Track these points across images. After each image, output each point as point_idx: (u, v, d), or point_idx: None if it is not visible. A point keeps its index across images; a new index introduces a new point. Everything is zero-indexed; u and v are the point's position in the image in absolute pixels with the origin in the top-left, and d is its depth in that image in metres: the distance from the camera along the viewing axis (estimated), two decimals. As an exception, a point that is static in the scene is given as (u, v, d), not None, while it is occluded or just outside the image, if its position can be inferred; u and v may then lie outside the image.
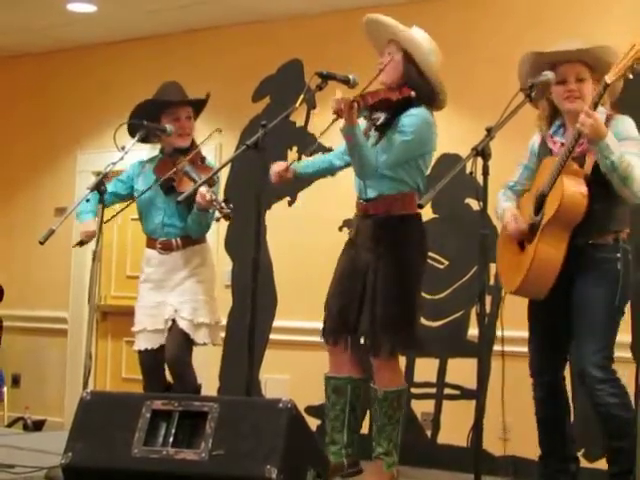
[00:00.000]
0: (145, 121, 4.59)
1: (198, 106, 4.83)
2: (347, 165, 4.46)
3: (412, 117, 4.19)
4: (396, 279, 4.21)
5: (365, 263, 4.25)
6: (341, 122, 4.03)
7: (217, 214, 4.30)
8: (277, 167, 4.37)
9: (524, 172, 4.03)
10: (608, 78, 3.57)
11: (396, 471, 4.33)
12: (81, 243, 4.59)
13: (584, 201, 3.68)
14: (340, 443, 4.33)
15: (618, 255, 3.69)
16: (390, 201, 4.24)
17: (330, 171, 4.59)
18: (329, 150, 4.75)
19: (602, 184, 3.67)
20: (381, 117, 4.24)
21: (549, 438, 3.92)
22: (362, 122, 4.24)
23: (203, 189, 4.30)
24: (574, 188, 3.69)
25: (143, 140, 4.70)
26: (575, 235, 3.73)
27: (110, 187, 4.69)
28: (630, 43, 3.54)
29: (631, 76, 3.60)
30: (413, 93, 4.20)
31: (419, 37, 4.30)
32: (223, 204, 4.25)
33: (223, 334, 5.86)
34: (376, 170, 4.18)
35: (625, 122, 3.76)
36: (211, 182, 4.35)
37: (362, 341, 4.29)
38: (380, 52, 4.37)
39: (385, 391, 4.25)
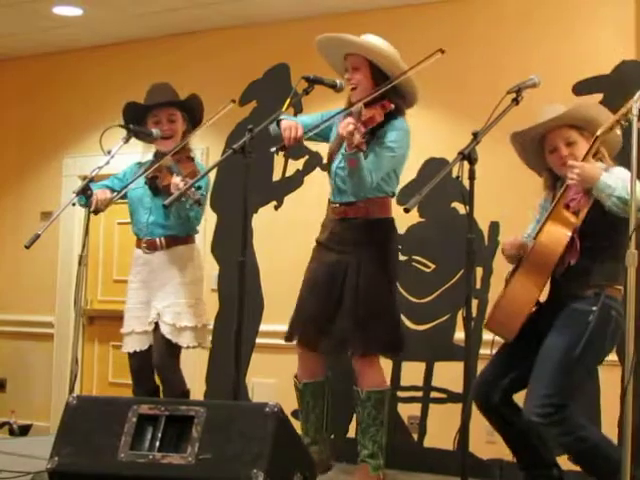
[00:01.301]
0: (131, 125, 4.61)
1: (189, 108, 4.82)
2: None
3: (398, 132, 4.24)
4: (379, 280, 4.27)
5: (343, 266, 4.29)
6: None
7: (190, 201, 4.31)
8: (293, 132, 4.11)
9: (535, 226, 4.00)
10: (599, 131, 3.59)
11: (382, 474, 4.34)
12: (96, 211, 4.55)
13: (558, 249, 3.70)
14: (322, 442, 4.41)
15: (594, 308, 3.64)
16: (369, 205, 4.29)
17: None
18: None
19: (594, 238, 3.69)
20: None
21: (521, 452, 3.93)
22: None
23: (177, 179, 4.35)
24: (552, 234, 3.72)
25: (137, 137, 4.71)
26: (556, 286, 3.78)
27: (107, 182, 4.75)
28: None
29: (618, 132, 3.62)
30: (392, 106, 4.22)
31: (380, 44, 4.31)
32: (194, 190, 4.25)
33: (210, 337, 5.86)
34: (372, 188, 4.23)
35: (620, 171, 3.69)
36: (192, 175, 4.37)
37: (337, 342, 4.29)
38: (339, 69, 4.38)
39: (368, 391, 4.29)
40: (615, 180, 3.56)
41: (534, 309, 3.85)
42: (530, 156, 4.01)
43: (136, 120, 4.70)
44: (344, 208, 4.33)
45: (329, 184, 4.47)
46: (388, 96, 4.22)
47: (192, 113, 4.82)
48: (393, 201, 4.37)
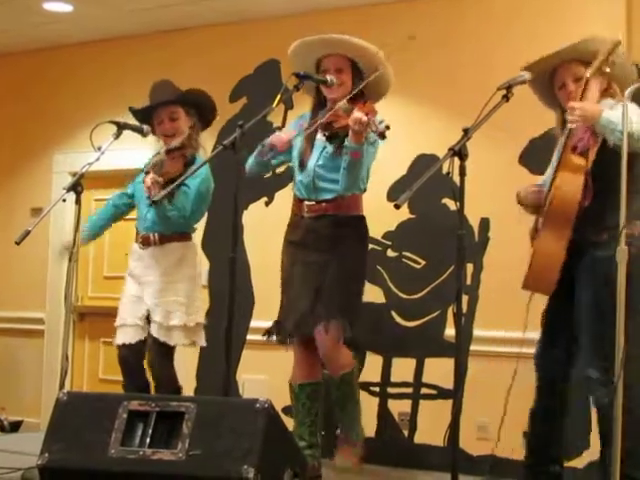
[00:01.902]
0: (122, 121, 4.62)
1: (192, 103, 4.81)
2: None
3: None
4: (355, 274, 4.39)
5: (321, 262, 4.36)
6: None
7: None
8: (285, 138, 4.36)
9: (551, 171, 4.00)
10: (588, 72, 3.61)
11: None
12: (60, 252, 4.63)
13: (576, 196, 3.71)
14: (316, 446, 4.43)
15: (612, 253, 3.58)
16: (348, 202, 4.36)
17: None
18: None
19: (604, 179, 3.68)
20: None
21: (537, 431, 3.94)
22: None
23: (147, 177, 4.49)
24: (566, 184, 3.72)
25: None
26: (574, 230, 3.76)
27: (129, 188, 4.87)
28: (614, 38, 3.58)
29: (608, 69, 3.63)
30: (368, 103, 4.31)
31: (366, 43, 4.40)
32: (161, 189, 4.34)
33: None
34: (359, 184, 4.33)
35: (630, 109, 3.60)
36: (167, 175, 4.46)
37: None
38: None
39: (342, 374, 4.38)
40: (617, 115, 3.54)
41: None
42: (540, 92, 4.03)
43: (144, 122, 4.76)
44: (323, 205, 4.37)
45: (297, 185, 4.50)
46: (365, 95, 4.35)
47: (198, 107, 4.82)
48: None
